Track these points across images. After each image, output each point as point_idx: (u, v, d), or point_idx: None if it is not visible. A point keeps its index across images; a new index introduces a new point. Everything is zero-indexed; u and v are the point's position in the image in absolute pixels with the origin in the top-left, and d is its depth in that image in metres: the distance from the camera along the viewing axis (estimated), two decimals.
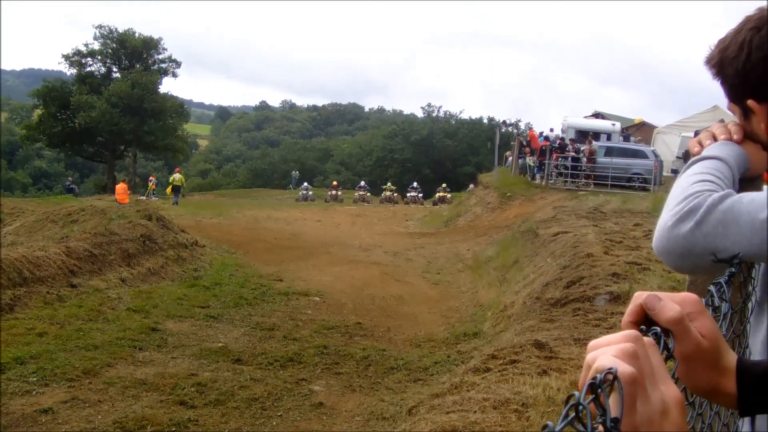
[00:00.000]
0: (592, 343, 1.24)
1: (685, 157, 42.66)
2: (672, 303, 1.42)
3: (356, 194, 77.03)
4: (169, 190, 56.88)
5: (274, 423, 11.37)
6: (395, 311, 19.78)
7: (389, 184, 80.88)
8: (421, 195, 77.76)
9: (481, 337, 16.70)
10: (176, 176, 56.33)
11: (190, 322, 17.16)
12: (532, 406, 8.68)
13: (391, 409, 11.95)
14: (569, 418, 0.95)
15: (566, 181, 44.26)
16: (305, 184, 78.43)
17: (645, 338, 1.24)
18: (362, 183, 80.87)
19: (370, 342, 16.46)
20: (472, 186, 72.87)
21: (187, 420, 11.02)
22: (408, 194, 77.60)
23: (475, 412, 8.75)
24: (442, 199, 72.13)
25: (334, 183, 79.80)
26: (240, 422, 11.25)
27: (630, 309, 1.45)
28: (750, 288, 2.39)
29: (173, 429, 10.70)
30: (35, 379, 12.30)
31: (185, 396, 12.03)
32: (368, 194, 76.94)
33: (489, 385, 9.93)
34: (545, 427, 0.90)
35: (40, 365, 12.84)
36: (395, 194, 77.41)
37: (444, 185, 77.34)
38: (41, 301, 16.93)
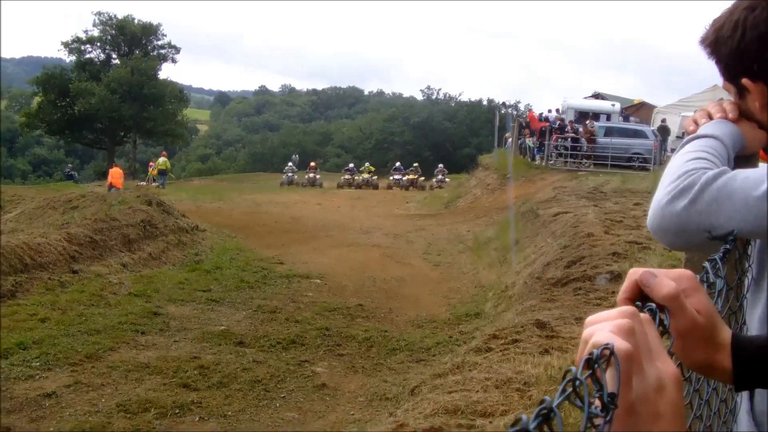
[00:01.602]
0: (589, 318, 1.24)
1: (661, 132, 42.66)
2: (667, 279, 1.43)
3: (342, 178, 69.89)
4: (154, 173, 57.02)
5: (277, 405, 11.42)
6: (396, 293, 19.80)
7: (367, 164, 74.64)
8: (404, 178, 69.22)
9: (483, 317, 16.74)
10: (161, 160, 56.58)
11: (192, 306, 17.20)
12: (534, 385, 8.70)
13: (394, 389, 12.00)
14: (566, 393, 0.95)
15: (566, 162, 44.08)
16: (289, 164, 70.90)
17: (641, 314, 1.25)
18: (350, 165, 74.13)
19: (372, 323, 16.50)
20: (441, 166, 72.13)
21: (191, 402, 11.08)
22: (392, 177, 69.97)
23: (477, 391, 8.78)
24: (441, 183, 66.94)
25: (312, 164, 71.33)
26: (243, 404, 11.31)
27: (625, 286, 1.46)
28: (746, 264, 2.40)
29: (176, 411, 10.76)
30: (38, 363, 12.35)
31: (188, 379, 12.09)
32: (355, 177, 69.26)
33: (491, 364, 9.96)
34: (542, 401, 0.89)
35: (42, 350, 12.90)
36: (374, 177, 70.34)
37: (441, 165, 72.51)
38: (43, 287, 16.96)
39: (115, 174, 48.88)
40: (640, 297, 1.43)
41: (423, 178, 70.07)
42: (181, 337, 14.61)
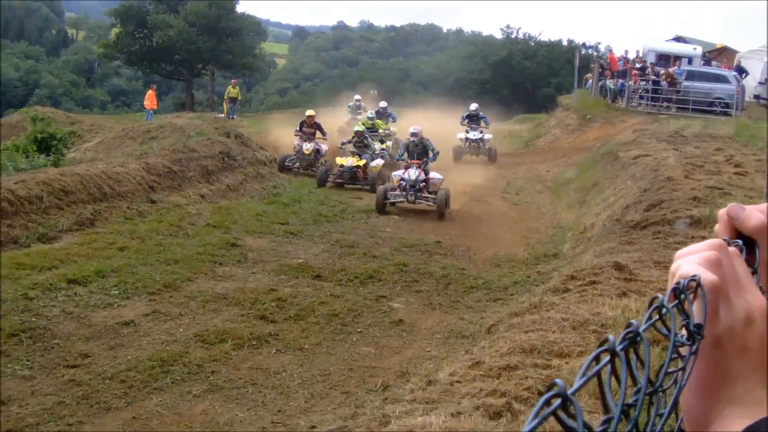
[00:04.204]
0: (679, 252, 1.26)
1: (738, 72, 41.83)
2: (756, 211, 1.38)
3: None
4: (225, 104, 56.72)
5: (354, 339, 11.46)
6: (475, 231, 19.77)
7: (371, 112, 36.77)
8: None
9: (561, 258, 16.67)
10: (229, 88, 56.39)
11: (270, 239, 17.29)
12: (611, 327, 8.64)
13: (471, 327, 12.02)
14: (653, 320, 0.96)
15: (647, 105, 43.49)
16: (356, 99, 43.45)
17: (730, 248, 1.25)
18: (357, 98, 43.33)
19: (450, 261, 16.50)
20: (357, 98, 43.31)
21: (268, 334, 11.17)
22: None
23: (554, 331, 8.75)
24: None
25: (308, 114, 34.34)
26: (320, 337, 11.36)
27: (720, 221, 1.42)
28: None
29: (253, 343, 10.84)
30: (117, 292, 12.48)
31: (266, 311, 12.19)
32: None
33: (568, 305, 9.91)
34: (629, 325, 0.89)
35: (121, 279, 13.04)
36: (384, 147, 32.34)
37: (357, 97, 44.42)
38: (122, 216, 17.17)
39: (148, 95, 48.53)
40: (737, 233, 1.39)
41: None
42: (258, 269, 14.73)
